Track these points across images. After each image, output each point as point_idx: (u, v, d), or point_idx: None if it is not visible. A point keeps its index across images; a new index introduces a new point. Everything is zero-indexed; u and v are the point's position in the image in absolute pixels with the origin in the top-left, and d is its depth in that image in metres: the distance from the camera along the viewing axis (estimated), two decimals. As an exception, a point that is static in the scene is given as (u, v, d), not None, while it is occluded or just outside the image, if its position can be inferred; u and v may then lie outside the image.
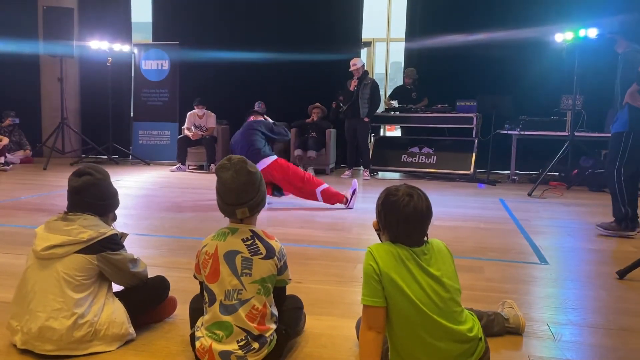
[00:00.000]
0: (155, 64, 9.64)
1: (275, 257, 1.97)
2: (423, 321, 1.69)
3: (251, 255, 1.94)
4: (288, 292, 2.16)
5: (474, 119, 7.84)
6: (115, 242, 2.14)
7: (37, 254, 2.07)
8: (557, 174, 7.62)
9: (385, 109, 8.84)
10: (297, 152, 8.35)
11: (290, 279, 2.08)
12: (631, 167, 4.22)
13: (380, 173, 8.57)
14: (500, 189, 7.03)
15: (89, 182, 2.16)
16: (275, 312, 2.01)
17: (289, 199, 5.61)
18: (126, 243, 2.27)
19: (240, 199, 1.97)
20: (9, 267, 3.16)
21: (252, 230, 2.00)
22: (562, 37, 6.65)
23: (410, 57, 9.24)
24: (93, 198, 2.16)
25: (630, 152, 4.19)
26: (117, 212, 2.34)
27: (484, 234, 4.37)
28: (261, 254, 1.95)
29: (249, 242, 1.96)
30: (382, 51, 10.11)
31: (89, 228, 2.09)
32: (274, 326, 1.97)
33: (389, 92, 9.56)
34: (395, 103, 8.76)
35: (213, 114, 8.88)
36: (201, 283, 2.03)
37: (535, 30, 7.97)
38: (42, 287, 2.02)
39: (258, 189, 2.02)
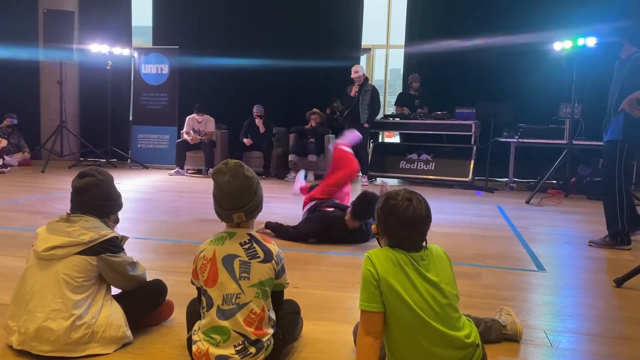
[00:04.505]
0: (155, 68, 9.66)
1: (273, 261, 1.97)
2: (421, 327, 1.69)
3: (249, 259, 1.94)
4: (285, 297, 2.15)
5: (473, 126, 7.85)
6: (115, 244, 2.15)
7: (37, 254, 2.07)
8: (555, 182, 7.63)
9: (385, 115, 8.84)
10: (292, 157, 8.34)
11: (288, 283, 2.08)
12: (629, 178, 4.12)
13: (378, 179, 8.57)
14: (499, 197, 7.04)
15: (90, 183, 2.17)
16: (273, 316, 2.01)
17: (286, 204, 5.60)
18: (124, 246, 2.26)
19: (236, 204, 1.97)
20: (6, 270, 3.16)
21: (249, 234, 2.00)
22: (561, 45, 6.68)
23: (410, 64, 9.26)
24: (94, 199, 2.17)
25: (627, 162, 4.07)
26: (116, 215, 2.34)
27: (482, 241, 4.37)
28: (259, 257, 1.95)
29: (246, 246, 1.96)
30: (382, 57, 10.15)
31: (90, 230, 2.09)
32: (271, 331, 1.97)
33: (388, 99, 9.54)
34: (405, 110, 8.68)
35: (212, 118, 8.88)
36: (199, 288, 2.02)
37: (534, 38, 8.00)
38: (42, 287, 2.02)
39: (255, 193, 2.02)
